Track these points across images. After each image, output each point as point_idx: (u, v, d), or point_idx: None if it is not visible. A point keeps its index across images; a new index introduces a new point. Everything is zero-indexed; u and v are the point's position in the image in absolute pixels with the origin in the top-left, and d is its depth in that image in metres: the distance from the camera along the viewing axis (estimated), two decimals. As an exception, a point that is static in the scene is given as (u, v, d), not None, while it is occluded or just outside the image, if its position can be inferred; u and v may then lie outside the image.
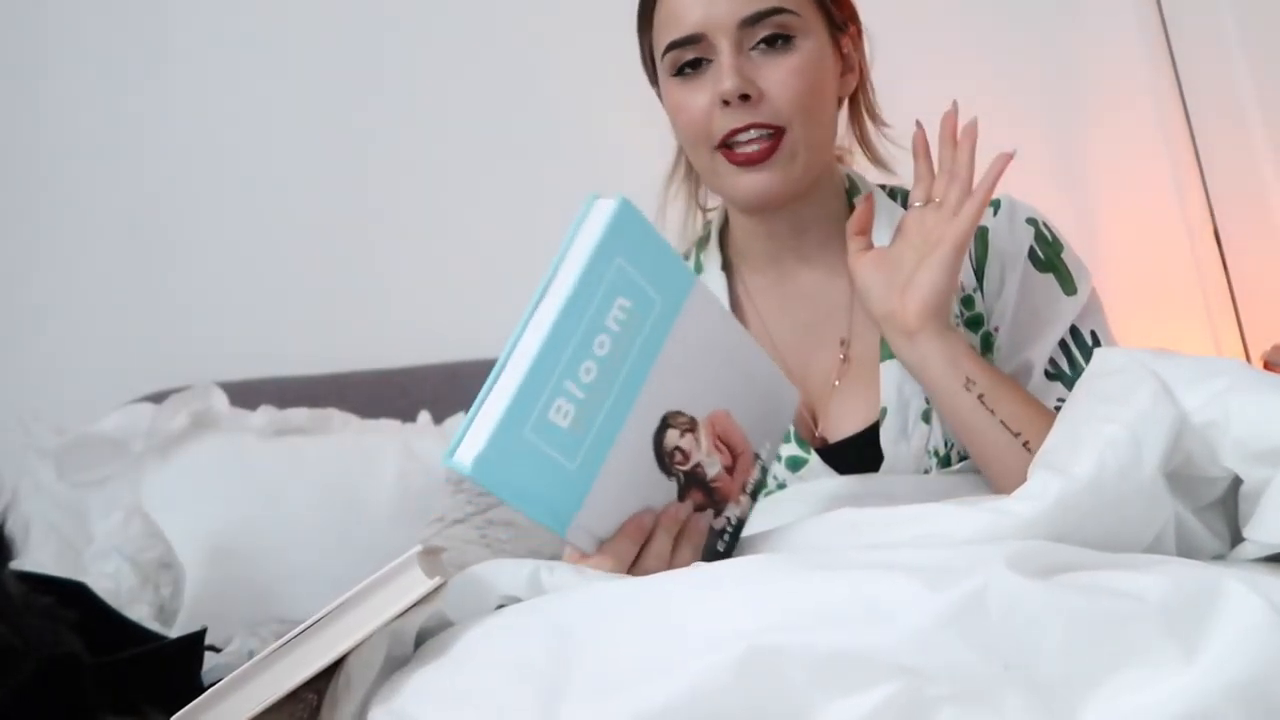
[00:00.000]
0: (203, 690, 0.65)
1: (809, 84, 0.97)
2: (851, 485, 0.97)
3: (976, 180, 0.95)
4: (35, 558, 1.44)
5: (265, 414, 1.73)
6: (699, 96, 0.98)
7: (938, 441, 1.00)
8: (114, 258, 1.99)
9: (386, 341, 1.92)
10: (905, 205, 1.07)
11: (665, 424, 0.79)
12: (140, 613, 1.35)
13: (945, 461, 1.00)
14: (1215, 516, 0.74)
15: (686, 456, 0.81)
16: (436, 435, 1.73)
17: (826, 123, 1.02)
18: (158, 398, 1.75)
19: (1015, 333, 1.02)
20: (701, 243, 1.14)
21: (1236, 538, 0.74)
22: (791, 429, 1.01)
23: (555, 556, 0.78)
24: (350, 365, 1.90)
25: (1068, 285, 1.01)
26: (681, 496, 0.81)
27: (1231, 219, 1.84)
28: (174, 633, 1.35)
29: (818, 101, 0.99)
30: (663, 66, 1.01)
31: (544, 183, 1.95)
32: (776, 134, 0.96)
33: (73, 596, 0.99)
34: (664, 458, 0.80)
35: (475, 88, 1.97)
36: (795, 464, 1.02)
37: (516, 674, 0.61)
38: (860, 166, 1.13)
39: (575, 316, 0.73)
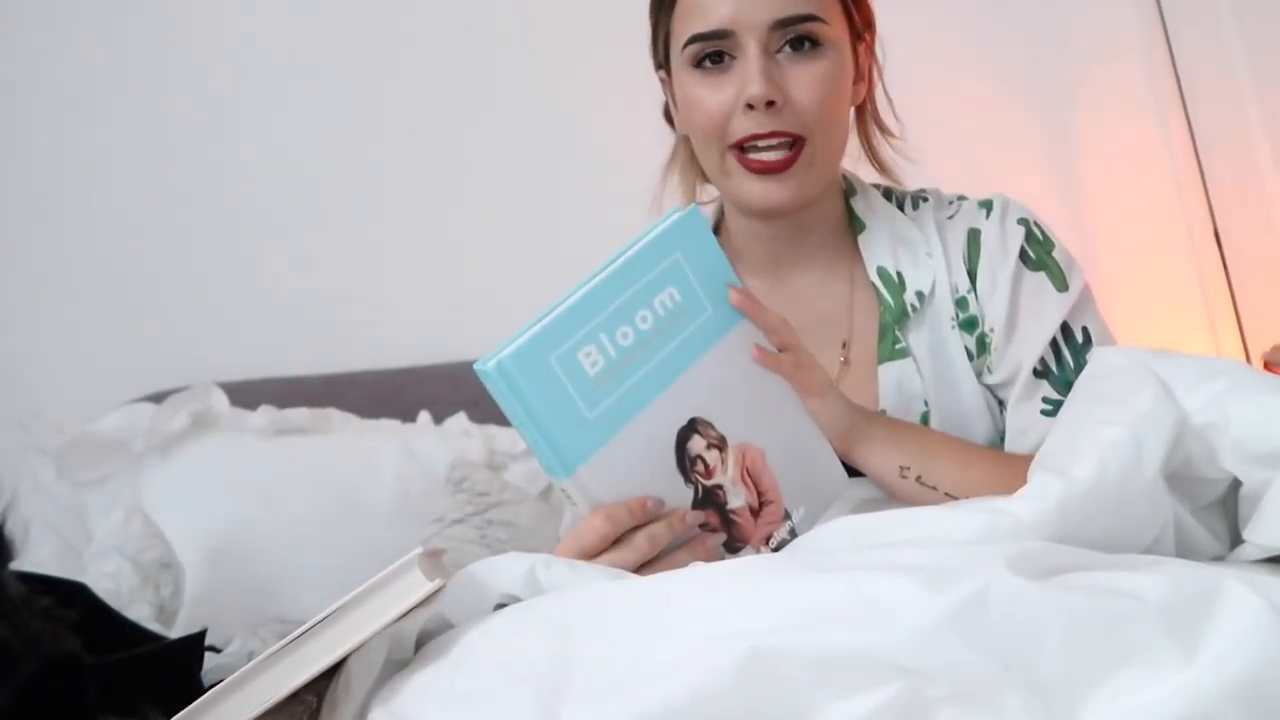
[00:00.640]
0: (203, 691, 0.65)
1: (832, 92, 0.97)
2: (869, 489, 0.97)
3: None
4: (35, 558, 1.44)
5: (265, 414, 1.73)
6: (719, 95, 0.96)
7: None
8: (114, 258, 2.00)
9: (386, 341, 1.92)
10: (901, 207, 1.07)
11: (693, 427, 0.81)
12: (140, 612, 1.35)
13: None
14: (1214, 517, 0.74)
15: (709, 471, 0.82)
16: (436, 435, 1.73)
17: (843, 131, 1.01)
18: (158, 398, 1.76)
19: (1008, 332, 1.01)
20: None
21: (1235, 539, 0.74)
22: None
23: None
24: (350, 365, 1.90)
25: (1059, 282, 1.01)
26: (695, 509, 0.81)
27: (1231, 219, 1.84)
28: (174, 632, 1.35)
29: (839, 110, 0.99)
30: (681, 56, 0.98)
31: (544, 183, 1.95)
32: (797, 143, 0.95)
33: (73, 596, 0.99)
34: (685, 460, 0.81)
35: (477, 88, 1.97)
36: None
37: (516, 675, 0.61)
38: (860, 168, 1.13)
39: (623, 282, 0.78)
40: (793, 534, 0.87)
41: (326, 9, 1.99)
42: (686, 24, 0.97)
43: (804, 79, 0.95)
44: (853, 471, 0.98)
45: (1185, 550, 0.72)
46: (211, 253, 1.98)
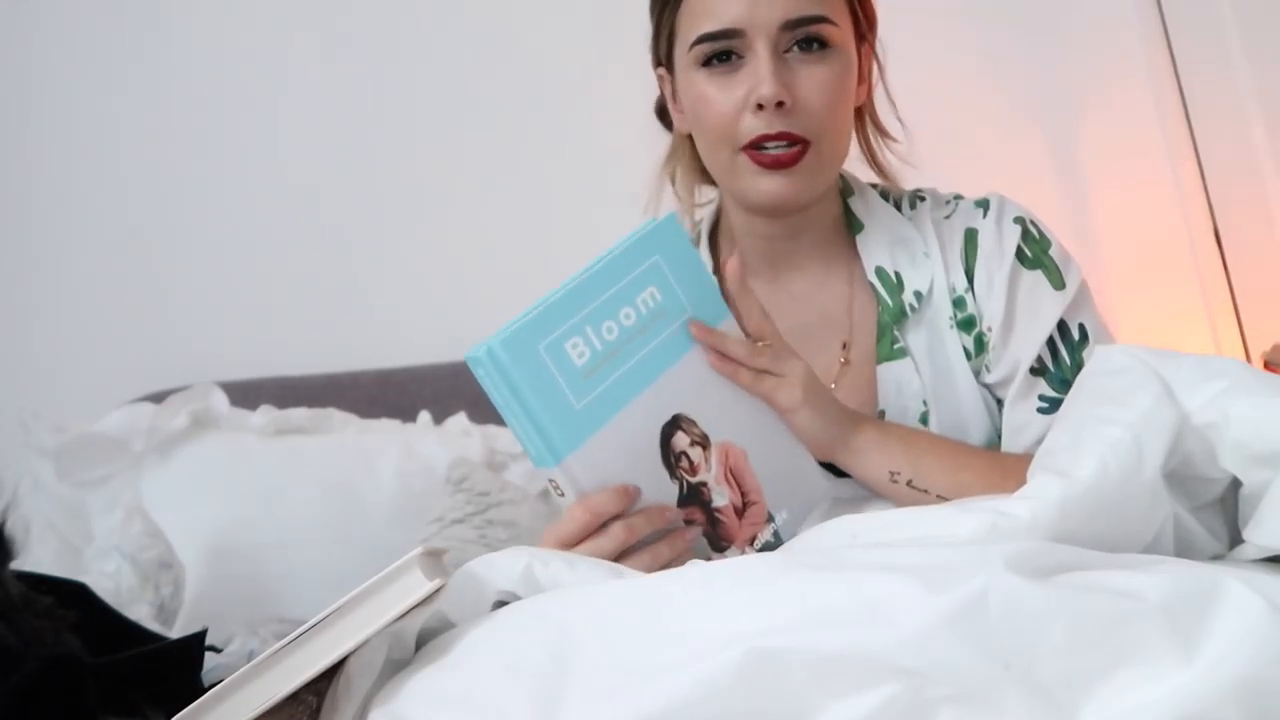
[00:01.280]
0: (203, 691, 0.64)
1: (840, 96, 0.97)
2: (851, 488, 0.97)
3: None
4: (35, 558, 1.44)
5: (265, 414, 1.73)
6: (729, 95, 0.96)
7: None
8: (115, 258, 2.00)
9: (386, 341, 1.92)
10: (899, 207, 1.07)
11: (676, 423, 0.84)
12: (140, 612, 1.35)
13: None
14: (1213, 516, 0.74)
15: (694, 468, 0.84)
16: (436, 435, 1.73)
17: (847, 134, 1.02)
18: (158, 397, 1.76)
19: (1005, 331, 1.01)
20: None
21: (1235, 538, 0.74)
22: None
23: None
24: (350, 365, 1.90)
25: (1055, 280, 1.01)
26: (680, 505, 0.83)
27: (1232, 219, 1.84)
28: (174, 632, 1.35)
29: (844, 113, 0.99)
30: (688, 55, 0.98)
31: (545, 183, 1.95)
32: (802, 145, 0.95)
33: (73, 596, 0.99)
34: (669, 455, 0.83)
35: (478, 89, 1.97)
36: None
37: (516, 676, 0.61)
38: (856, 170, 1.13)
39: (606, 279, 0.83)
40: (776, 537, 0.88)
41: (326, 10, 1.99)
42: (695, 23, 0.97)
43: (813, 80, 0.95)
44: (840, 471, 0.99)
45: (1184, 549, 0.72)
46: (212, 253, 1.98)
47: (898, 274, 1.03)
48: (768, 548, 0.87)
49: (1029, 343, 1.00)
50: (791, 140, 0.95)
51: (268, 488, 1.64)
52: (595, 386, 0.81)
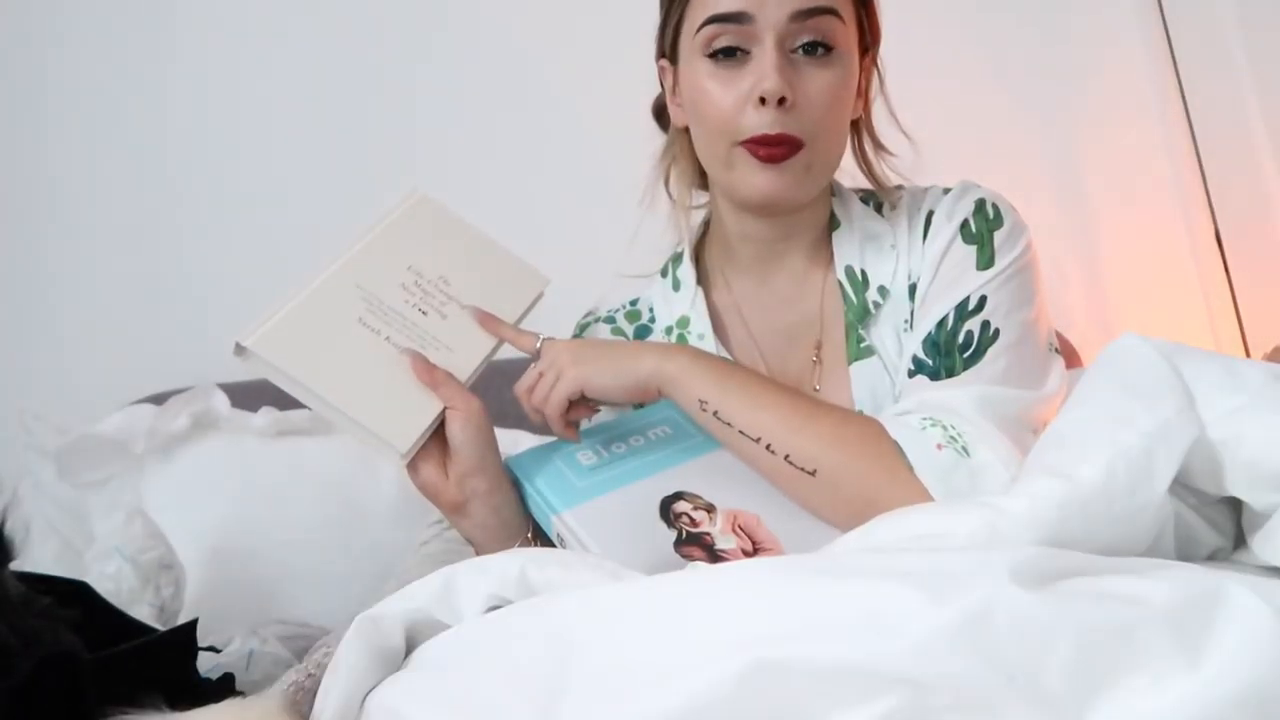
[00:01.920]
0: (198, 681, 0.64)
1: (839, 100, 0.97)
2: None
3: None
4: (35, 558, 1.44)
5: (266, 415, 1.73)
6: (732, 90, 0.96)
7: None
8: (116, 258, 2.00)
9: (387, 342, 1.91)
10: (879, 210, 1.07)
11: (679, 495, 0.88)
12: (141, 613, 1.35)
13: None
14: (1219, 512, 0.74)
15: (695, 523, 0.86)
16: (437, 436, 1.73)
17: (841, 141, 1.02)
18: (159, 398, 1.75)
19: (926, 292, 1.00)
20: (677, 259, 1.13)
21: (1240, 533, 0.73)
22: None
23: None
24: (351, 366, 1.90)
25: (984, 260, 0.98)
26: (678, 547, 0.84)
27: (1233, 220, 1.84)
28: (175, 634, 1.35)
29: (840, 120, 0.99)
30: (693, 41, 0.98)
31: (546, 184, 1.95)
32: (797, 145, 0.96)
33: (73, 596, 0.99)
34: (670, 515, 0.86)
35: (477, 90, 1.97)
36: None
37: (516, 679, 0.61)
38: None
39: (620, 426, 0.99)
40: None
41: (326, 12, 1.99)
42: (704, 7, 0.97)
43: (816, 82, 0.95)
44: None
45: (1185, 545, 0.72)
46: (212, 253, 1.98)
47: (864, 271, 1.03)
48: None
49: (936, 309, 0.98)
50: (786, 140, 0.95)
51: (269, 489, 1.64)
52: (598, 472, 0.91)
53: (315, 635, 1.33)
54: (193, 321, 1.97)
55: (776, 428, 0.90)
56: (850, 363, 1.03)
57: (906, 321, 1.02)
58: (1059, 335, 1.16)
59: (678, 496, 0.87)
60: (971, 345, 0.95)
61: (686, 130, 1.06)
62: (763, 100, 0.94)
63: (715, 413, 0.92)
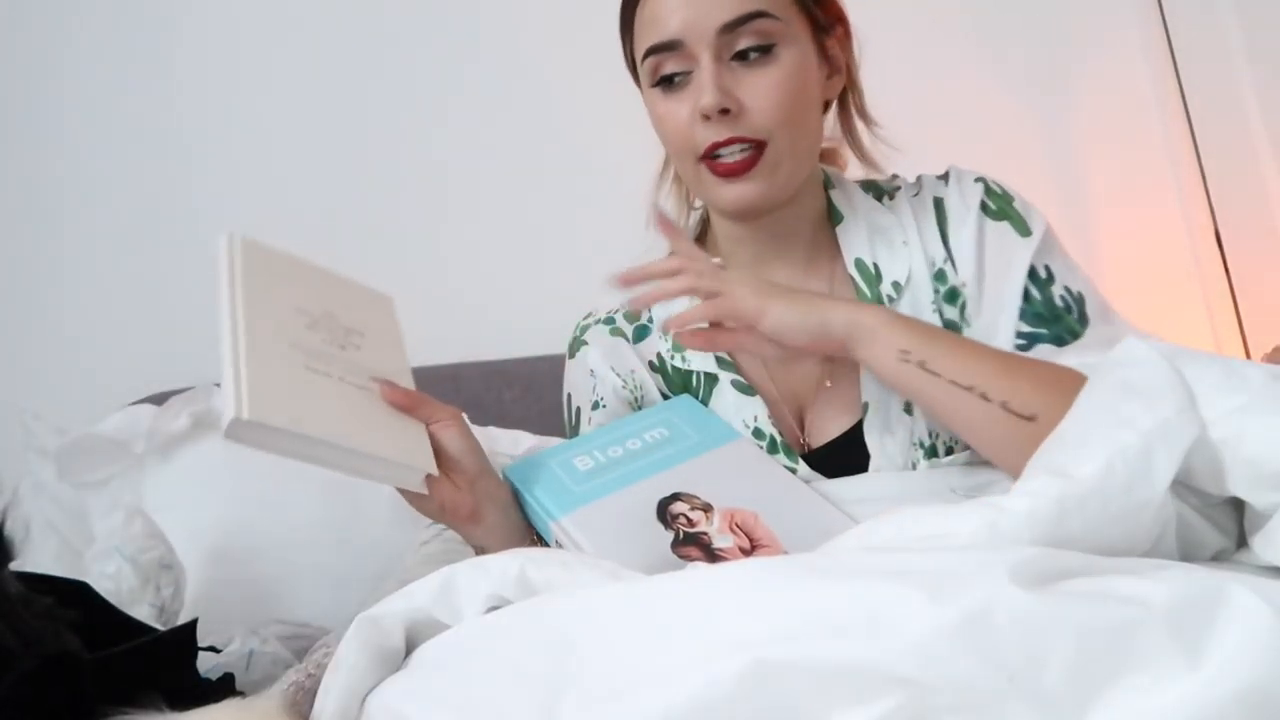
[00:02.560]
0: (197, 682, 0.64)
1: (790, 94, 0.97)
2: (841, 489, 0.97)
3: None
4: (35, 558, 1.44)
5: (266, 415, 1.73)
6: (680, 109, 0.98)
7: (921, 433, 1.00)
8: (116, 258, 2.00)
9: (387, 342, 1.91)
10: (879, 198, 1.07)
11: (676, 496, 0.88)
12: (141, 613, 1.35)
13: (931, 452, 1.00)
14: (1222, 512, 0.74)
15: (692, 524, 0.86)
16: (437, 436, 1.73)
17: (810, 129, 1.01)
18: (159, 399, 1.76)
19: (978, 282, 1.01)
20: None
21: (1243, 533, 0.73)
22: (778, 438, 1.02)
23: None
24: (350, 366, 1.90)
25: (1021, 228, 1.01)
26: (675, 548, 0.84)
27: (1232, 220, 1.85)
28: (175, 634, 1.35)
29: (800, 110, 0.98)
30: (643, 71, 1.00)
31: (545, 185, 1.95)
32: (758, 147, 0.96)
33: (73, 596, 0.99)
34: (666, 516, 0.86)
35: (478, 92, 1.97)
36: None
37: (516, 679, 0.61)
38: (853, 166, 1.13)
39: (618, 429, 0.99)
40: None
41: (333, 11, 1.99)
42: (643, 38, 0.99)
43: (758, 85, 0.95)
44: (835, 474, 0.99)
45: (1188, 546, 0.72)
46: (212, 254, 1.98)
47: (876, 265, 1.04)
48: None
49: (1006, 287, 0.99)
50: (745, 143, 0.95)
51: (268, 489, 1.64)
52: (594, 478, 0.92)
53: (315, 635, 1.33)
54: (193, 321, 1.97)
55: (992, 375, 0.87)
56: None
57: (934, 305, 1.02)
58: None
59: (674, 497, 0.88)
60: (1071, 309, 0.99)
61: None
62: (706, 116, 0.95)
63: (921, 362, 0.89)
